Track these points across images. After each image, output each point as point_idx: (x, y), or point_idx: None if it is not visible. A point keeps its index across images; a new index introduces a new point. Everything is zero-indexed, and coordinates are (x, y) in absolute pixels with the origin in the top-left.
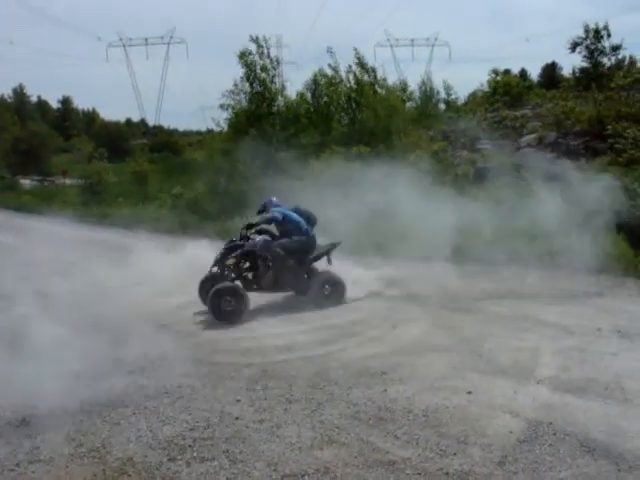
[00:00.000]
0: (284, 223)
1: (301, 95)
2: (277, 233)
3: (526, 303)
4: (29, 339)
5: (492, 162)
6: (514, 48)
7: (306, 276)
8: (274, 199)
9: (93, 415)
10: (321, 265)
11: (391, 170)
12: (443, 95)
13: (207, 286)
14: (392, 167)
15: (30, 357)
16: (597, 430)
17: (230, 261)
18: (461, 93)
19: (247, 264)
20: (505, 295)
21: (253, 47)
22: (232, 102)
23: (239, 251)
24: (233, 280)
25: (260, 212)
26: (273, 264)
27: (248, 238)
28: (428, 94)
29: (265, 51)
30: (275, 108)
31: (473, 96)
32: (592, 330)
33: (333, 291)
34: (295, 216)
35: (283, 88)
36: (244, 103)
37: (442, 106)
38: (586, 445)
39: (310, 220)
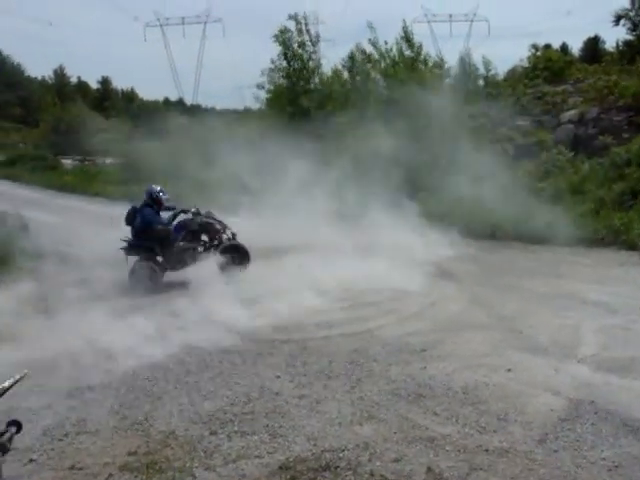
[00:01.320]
0: None
1: (335, 72)
2: None
3: (568, 281)
4: None
5: (532, 139)
6: (555, 22)
7: None
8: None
9: (136, 389)
10: None
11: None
12: (482, 71)
13: None
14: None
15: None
16: None
17: None
18: (500, 69)
19: None
20: (546, 273)
21: (292, 24)
22: (269, 80)
23: None
24: None
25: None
26: None
27: None
28: (467, 70)
29: (303, 28)
30: (312, 85)
31: (513, 72)
32: (636, 309)
33: None
34: None
35: (319, 65)
36: (281, 81)
37: (481, 83)
38: (629, 424)
39: None
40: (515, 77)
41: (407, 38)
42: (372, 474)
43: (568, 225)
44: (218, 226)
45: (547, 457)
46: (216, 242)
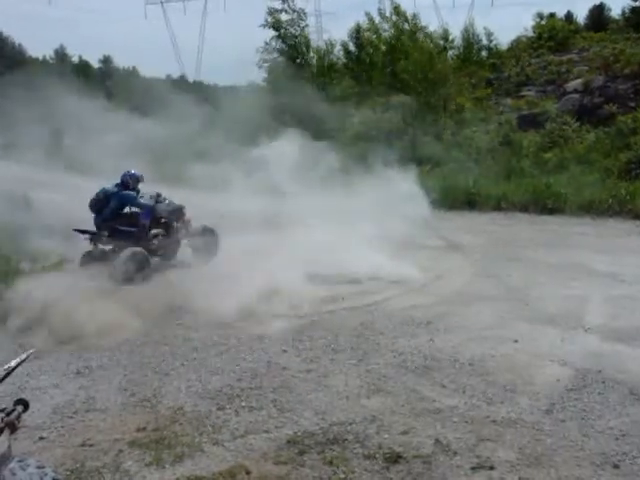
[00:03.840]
0: None
1: (330, 44)
2: None
3: (575, 251)
4: None
5: (536, 108)
6: None
7: None
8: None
9: (144, 367)
10: None
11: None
12: (485, 42)
13: None
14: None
15: None
16: None
17: None
18: (505, 39)
19: None
20: (553, 244)
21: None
22: (266, 59)
23: None
24: None
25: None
26: None
27: None
28: (471, 41)
29: (289, 4)
30: (308, 59)
31: (517, 42)
32: None
33: None
34: None
35: (308, 40)
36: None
37: (485, 53)
38: (636, 393)
39: None
40: (519, 47)
41: (397, 12)
42: (380, 447)
43: (574, 195)
44: (184, 210)
45: (554, 427)
46: (182, 227)
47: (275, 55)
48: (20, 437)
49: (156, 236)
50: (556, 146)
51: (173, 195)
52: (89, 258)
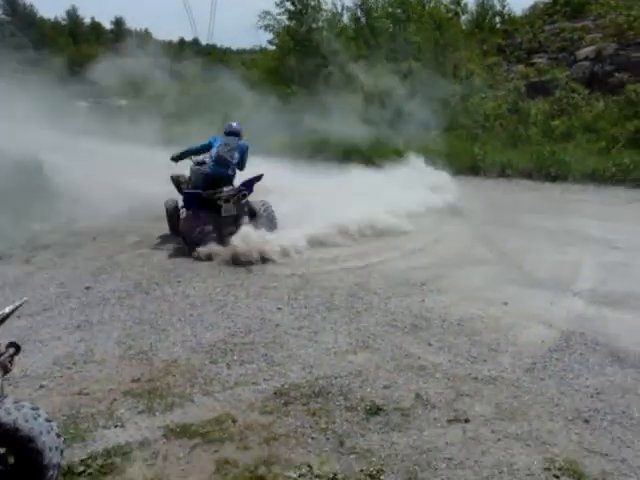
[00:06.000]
0: None
1: (340, 8)
2: None
3: (573, 218)
4: None
5: (546, 76)
6: None
7: None
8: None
9: (142, 322)
10: None
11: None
12: (499, 7)
13: None
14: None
15: None
16: (629, 341)
17: None
18: (521, 5)
19: None
20: (553, 210)
21: None
22: (272, 22)
23: None
24: None
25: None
26: None
27: None
28: (484, 6)
29: None
30: (317, 24)
31: (533, 8)
32: (638, 245)
33: None
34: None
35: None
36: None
37: (498, 19)
38: (616, 355)
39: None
40: (535, 13)
41: None
42: (362, 399)
43: (578, 163)
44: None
45: (533, 385)
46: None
47: (285, 17)
48: (22, 385)
49: None
50: (564, 114)
51: None
52: None
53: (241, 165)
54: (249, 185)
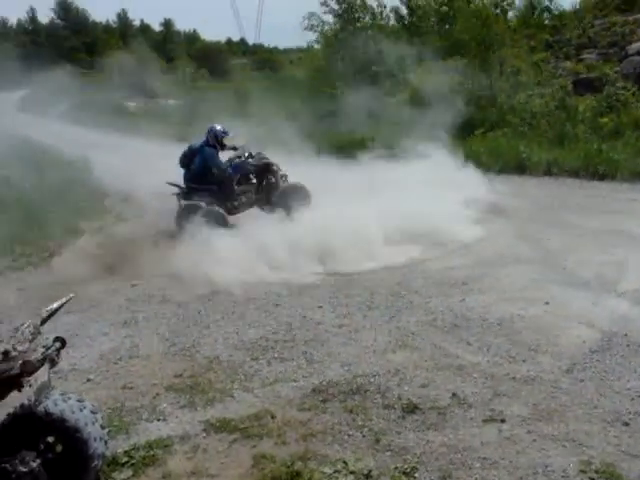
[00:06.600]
0: None
1: (382, 6)
2: None
3: (620, 217)
4: None
5: (595, 72)
6: None
7: None
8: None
9: (186, 319)
10: None
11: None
12: (547, 3)
13: None
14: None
15: None
16: None
17: None
18: (569, 1)
19: None
20: (599, 209)
21: None
22: (318, 22)
23: None
24: None
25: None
26: None
27: None
28: (532, 2)
29: None
30: (363, 23)
31: (583, 3)
32: None
33: None
34: None
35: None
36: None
37: (547, 15)
38: None
39: None
40: (584, 8)
41: None
42: (399, 398)
43: (627, 162)
44: (274, 168)
45: (572, 386)
46: (273, 184)
47: (330, 17)
48: (70, 379)
49: (244, 193)
50: (613, 111)
51: None
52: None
53: None
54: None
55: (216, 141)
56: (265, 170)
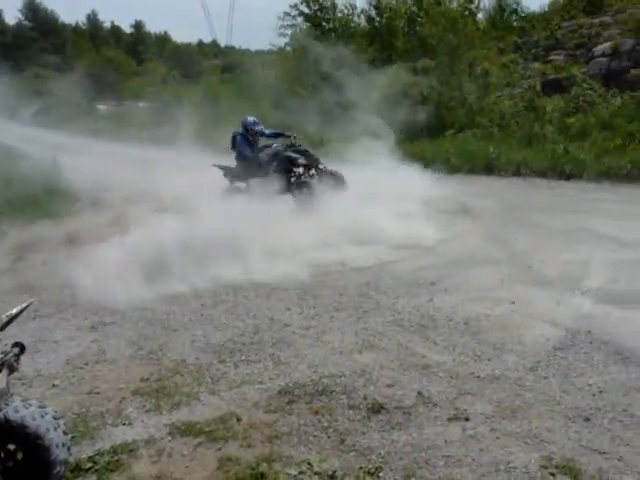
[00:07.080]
0: None
1: (352, 8)
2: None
3: (586, 217)
4: None
5: (563, 73)
6: None
7: None
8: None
9: (154, 323)
10: None
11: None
12: (515, 6)
13: None
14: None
15: None
16: (635, 339)
17: None
18: (538, 3)
19: None
20: (566, 209)
21: None
22: (289, 24)
23: None
24: None
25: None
26: None
27: None
28: (501, 4)
29: None
30: (331, 25)
31: (550, 5)
32: None
33: None
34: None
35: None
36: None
37: (515, 17)
38: (620, 353)
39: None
40: (552, 10)
41: None
42: (365, 398)
43: (593, 161)
44: (299, 162)
45: (536, 383)
46: (310, 171)
47: (300, 20)
48: (34, 385)
49: (278, 179)
50: (580, 111)
51: None
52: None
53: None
54: None
55: (246, 130)
56: (290, 163)
